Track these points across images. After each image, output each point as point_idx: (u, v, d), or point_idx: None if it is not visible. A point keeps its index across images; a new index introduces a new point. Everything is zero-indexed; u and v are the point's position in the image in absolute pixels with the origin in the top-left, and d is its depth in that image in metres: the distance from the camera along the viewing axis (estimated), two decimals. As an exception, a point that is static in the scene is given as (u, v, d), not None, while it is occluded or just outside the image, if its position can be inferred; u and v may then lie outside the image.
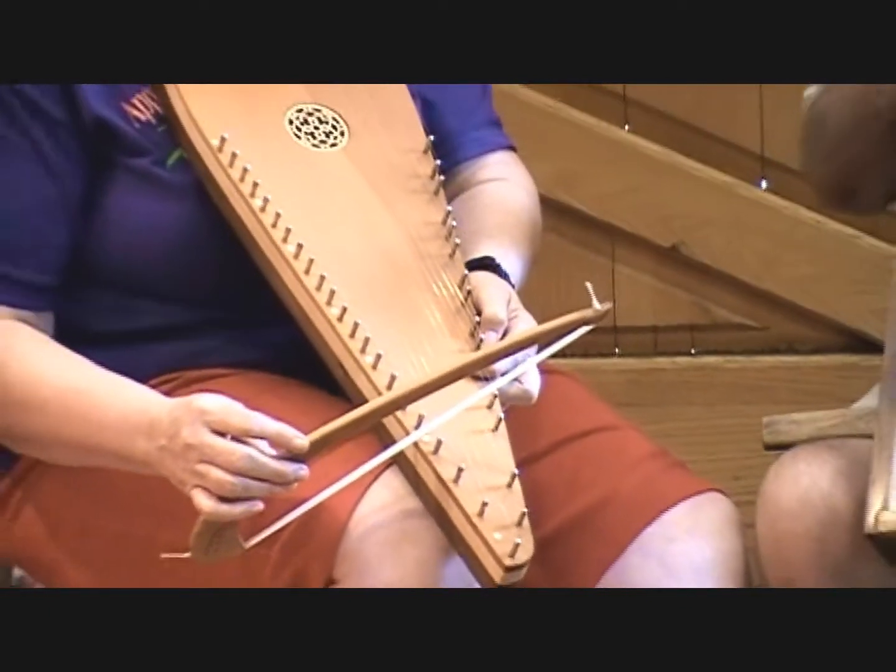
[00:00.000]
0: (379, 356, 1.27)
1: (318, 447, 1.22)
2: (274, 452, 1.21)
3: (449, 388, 1.30)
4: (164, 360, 1.39)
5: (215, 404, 1.24)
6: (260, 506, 1.22)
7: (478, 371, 1.31)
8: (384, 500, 1.25)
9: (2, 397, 1.37)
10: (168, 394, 1.36)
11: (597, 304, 1.31)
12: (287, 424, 1.27)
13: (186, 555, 1.23)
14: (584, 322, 1.30)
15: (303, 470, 1.21)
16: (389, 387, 1.28)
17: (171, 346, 1.39)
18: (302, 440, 1.21)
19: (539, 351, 1.33)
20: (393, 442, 1.25)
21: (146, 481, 1.35)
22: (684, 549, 1.36)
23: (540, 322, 1.37)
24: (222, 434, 1.22)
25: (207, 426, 1.22)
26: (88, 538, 1.42)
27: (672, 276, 2.16)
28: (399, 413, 1.27)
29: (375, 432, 1.29)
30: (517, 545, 1.18)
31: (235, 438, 1.22)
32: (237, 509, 1.21)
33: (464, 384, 1.31)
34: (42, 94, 1.38)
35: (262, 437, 1.21)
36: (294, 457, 1.22)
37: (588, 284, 1.38)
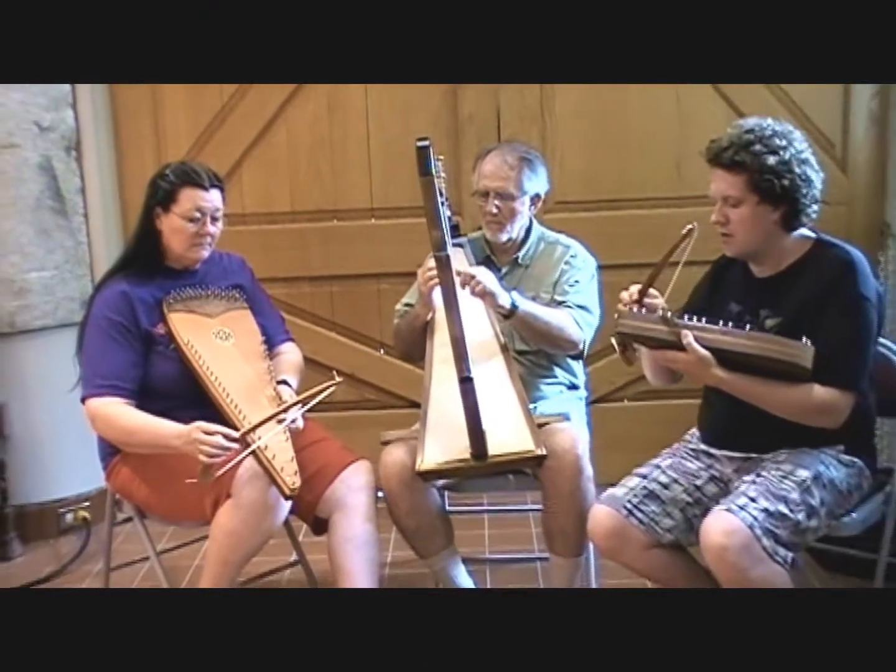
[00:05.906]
0: (244, 415, 2.32)
1: (244, 436, 2.21)
2: (224, 440, 2.20)
3: (272, 423, 2.23)
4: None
5: (203, 424, 2.24)
6: (219, 460, 2.15)
7: (282, 415, 2.20)
8: (250, 467, 2.24)
9: (118, 428, 2.37)
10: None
11: (337, 378, 2.20)
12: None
13: (194, 480, 2.13)
14: (332, 385, 2.21)
15: (235, 445, 2.19)
16: (248, 421, 2.27)
17: (169, 417, 2.41)
18: (236, 434, 2.19)
19: (305, 403, 2.22)
20: (249, 445, 2.20)
21: (161, 458, 2.29)
22: (354, 480, 2.45)
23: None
24: (207, 433, 2.22)
25: (200, 430, 2.24)
26: (144, 478, 2.41)
27: (356, 393, 3.71)
28: (253, 434, 2.23)
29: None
30: (295, 482, 2.21)
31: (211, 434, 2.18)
32: (210, 461, 2.17)
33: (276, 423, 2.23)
34: (126, 320, 2.41)
35: (221, 434, 2.22)
36: (233, 440, 2.20)
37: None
